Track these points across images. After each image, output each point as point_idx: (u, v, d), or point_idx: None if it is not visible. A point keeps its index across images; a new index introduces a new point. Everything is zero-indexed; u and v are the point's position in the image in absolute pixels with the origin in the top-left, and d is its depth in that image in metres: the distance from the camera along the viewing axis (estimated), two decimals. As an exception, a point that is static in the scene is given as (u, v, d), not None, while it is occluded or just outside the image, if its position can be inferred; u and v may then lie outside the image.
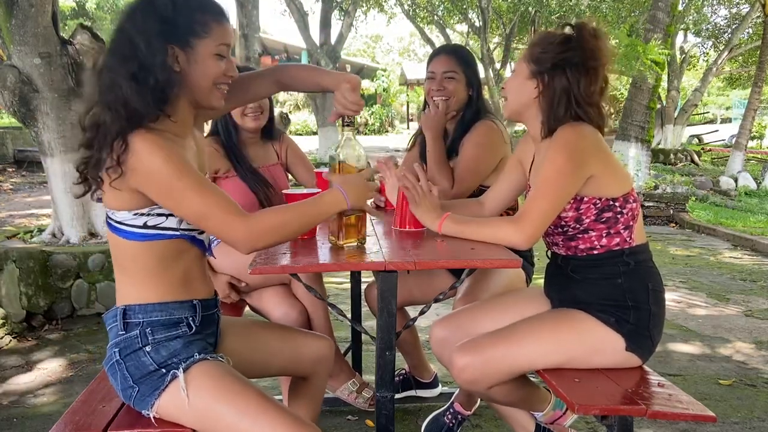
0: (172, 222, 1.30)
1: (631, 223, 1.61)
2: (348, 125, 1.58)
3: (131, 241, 1.29)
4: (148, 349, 1.30)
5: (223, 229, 1.27)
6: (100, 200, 1.31)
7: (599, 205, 1.58)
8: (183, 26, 1.26)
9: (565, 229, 1.62)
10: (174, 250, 1.32)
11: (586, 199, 1.57)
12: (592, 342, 1.57)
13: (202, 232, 1.37)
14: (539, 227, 1.54)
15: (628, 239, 1.61)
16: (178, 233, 1.31)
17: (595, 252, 1.62)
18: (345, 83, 1.56)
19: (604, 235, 1.60)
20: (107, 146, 1.21)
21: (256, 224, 1.29)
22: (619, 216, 1.59)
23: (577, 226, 1.60)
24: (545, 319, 1.64)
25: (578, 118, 1.59)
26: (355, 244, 1.59)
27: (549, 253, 1.76)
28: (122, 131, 1.20)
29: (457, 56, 2.22)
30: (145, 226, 1.28)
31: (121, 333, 1.32)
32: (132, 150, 1.20)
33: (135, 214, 1.27)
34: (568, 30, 1.63)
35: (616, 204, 1.58)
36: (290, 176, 2.52)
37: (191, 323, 1.35)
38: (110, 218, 1.30)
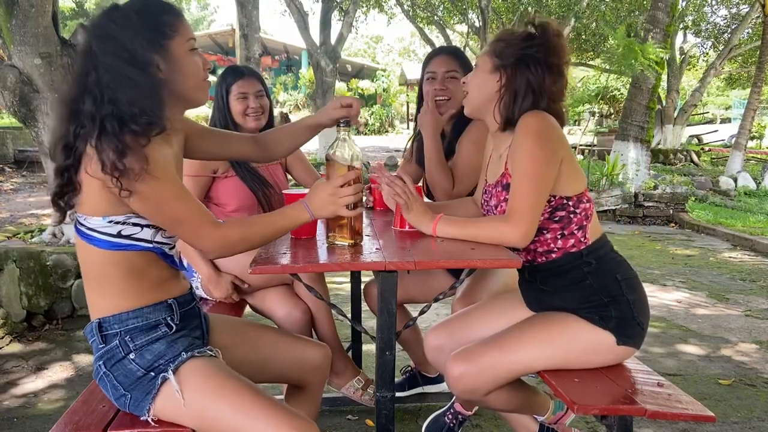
0: (146, 233, 1.30)
1: (585, 222, 1.61)
2: (342, 125, 1.58)
3: (101, 250, 1.28)
4: (132, 356, 1.30)
5: (194, 236, 1.30)
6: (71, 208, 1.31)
7: (553, 203, 1.58)
8: (154, 32, 1.27)
9: None
10: (144, 262, 1.32)
11: None
12: (584, 343, 1.58)
13: (172, 248, 1.38)
14: (532, 222, 1.53)
15: (582, 239, 1.61)
16: (150, 245, 1.31)
17: (554, 255, 1.62)
18: (334, 102, 1.66)
19: (558, 236, 1.61)
20: (115, 161, 1.18)
21: (225, 234, 1.32)
22: (572, 216, 1.60)
23: None
24: (537, 324, 1.64)
25: (546, 111, 1.61)
26: (348, 243, 1.58)
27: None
28: (132, 144, 1.19)
29: (457, 57, 2.22)
30: (119, 235, 1.27)
31: (101, 346, 1.31)
32: (143, 160, 1.19)
33: (110, 222, 1.26)
34: (531, 29, 1.63)
35: (569, 203, 1.59)
36: (289, 176, 2.52)
37: (170, 323, 1.35)
38: (82, 224, 1.29)
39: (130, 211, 1.27)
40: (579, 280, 1.61)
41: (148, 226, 1.30)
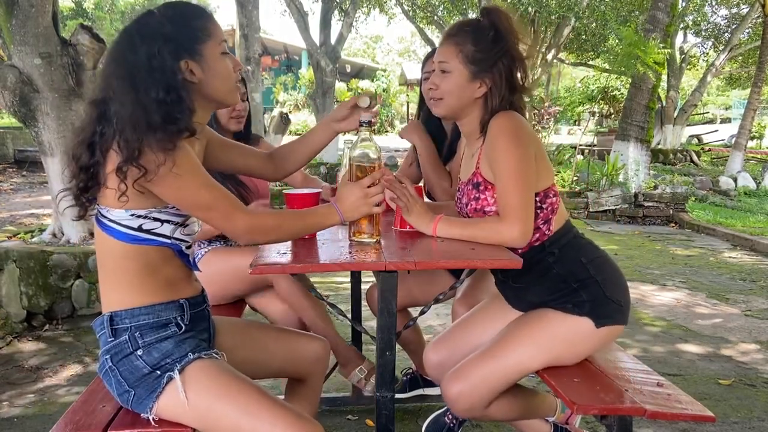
0: (166, 229, 1.32)
1: (550, 216, 1.62)
2: (364, 125, 1.59)
3: (120, 243, 1.29)
4: (139, 352, 1.30)
5: (227, 220, 1.31)
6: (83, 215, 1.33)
7: None
8: (186, 37, 1.29)
9: None
10: (160, 258, 1.33)
11: None
12: (565, 334, 1.58)
13: (189, 246, 1.39)
14: (526, 219, 1.53)
15: (546, 231, 1.62)
16: (168, 241, 1.33)
17: (519, 251, 1.62)
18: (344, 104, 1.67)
19: None
20: (129, 164, 1.20)
21: (258, 221, 1.35)
22: (538, 212, 1.60)
23: None
24: (518, 326, 1.65)
25: (511, 106, 1.62)
26: (375, 240, 1.59)
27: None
28: (155, 147, 1.21)
29: None
30: (139, 229, 1.29)
31: (110, 339, 1.32)
32: (161, 161, 1.21)
33: (132, 215, 1.28)
34: (481, 18, 1.63)
35: (536, 199, 1.60)
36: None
37: (180, 323, 1.35)
38: (104, 216, 1.30)
39: (152, 206, 1.29)
40: (545, 271, 1.63)
41: (168, 221, 1.32)
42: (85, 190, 1.28)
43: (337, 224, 1.47)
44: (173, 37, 1.27)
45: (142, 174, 1.21)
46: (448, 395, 1.60)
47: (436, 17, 16.39)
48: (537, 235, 1.62)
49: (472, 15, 15.90)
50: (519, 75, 1.63)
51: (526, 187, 1.53)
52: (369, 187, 1.47)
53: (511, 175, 1.53)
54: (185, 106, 1.27)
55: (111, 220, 1.29)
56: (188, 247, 1.39)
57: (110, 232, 1.29)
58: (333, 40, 11.69)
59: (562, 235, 1.64)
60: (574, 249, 1.65)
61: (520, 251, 1.62)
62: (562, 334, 1.58)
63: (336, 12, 12.48)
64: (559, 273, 1.61)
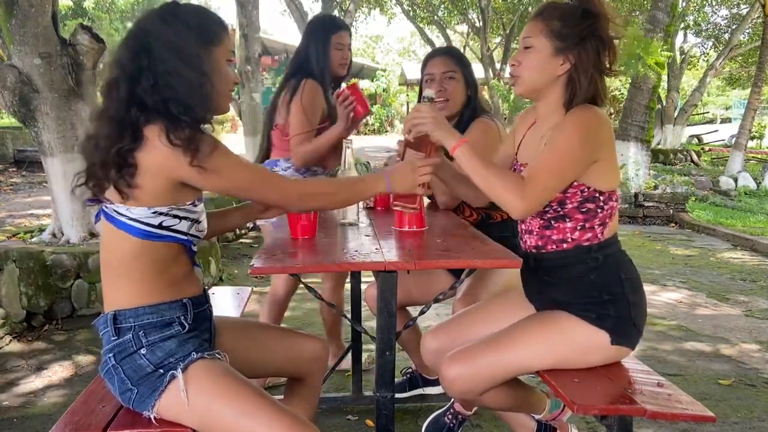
0: (183, 225, 1.34)
1: (607, 220, 1.60)
2: (426, 99, 1.67)
3: (132, 240, 1.29)
4: (143, 351, 1.31)
5: (281, 189, 1.41)
6: (94, 201, 1.35)
7: (585, 193, 1.56)
8: (205, 34, 1.34)
9: (546, 209, 1.59)
10: (169, 255, 1.34)
11: (575, 183, 1.54)
12: (579, 342, 1.57)
13: (195, 244, 1.42)
14: (540, 201, 1.52)
15: (599, 235, 1.59)
16: (183, 237, 1.35)
17: (565, 246, 1.60)
18: None
19: (578, 228, 1.59)
20: (190, 141, 1.25)
21: (309, 187, 1.49)
22: (599, 210, 1.58)
23: (559, 209, 1.57)
24: (531, 323, 1.63)
25: (596, 93, 1.57)
26: (413, 209, 1.72)
27: (521, 253, 1.72)
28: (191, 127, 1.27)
29: (454, 57, 2.23)
30: (159, 226, 1.30)
31: (113, 338, 1.32)
32: (213, 139, 1.29)
33: (155, 212, 1.29)
34: (570, 0, 1.58)
35: (600, 198, 1.57)
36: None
37: (183, 322, 1.36)
38: (122, 214, 1.29)
39: (173, 202, 1.31)
40: (583, 274, 1.60)
41: (185, 218, 1.34)
42: (121, 176, 1.26)
43: (382, 191, 1.57)
44: (195, 27, 1.32)
45: (197, 150, 1.24)
46: (447, 376, 1.59)
47: (436, 17, 16.39)
48: (589, 235, 1.59)
49: (473, 15, 15.92)
50: (607, 59, 1.58)
51: (562, 177, 1.51)
52: (421, 167, 1.58)
53: (559, 159, 1.50)
54: (208, 90, 1.31)
55: (131, 218, 1.29)
56: (195, 245, 1.41)
57: (128, 229, 1.29)
58: (333, 40, 11.68)
59: (610, 245, 1.62)
60: (617, 262, 1.62)
61: (565, 246, 1.60)
62: (577, 341, 1.57)
63: (336, 12, 12.49)
64: (595, 281, 1.59)
